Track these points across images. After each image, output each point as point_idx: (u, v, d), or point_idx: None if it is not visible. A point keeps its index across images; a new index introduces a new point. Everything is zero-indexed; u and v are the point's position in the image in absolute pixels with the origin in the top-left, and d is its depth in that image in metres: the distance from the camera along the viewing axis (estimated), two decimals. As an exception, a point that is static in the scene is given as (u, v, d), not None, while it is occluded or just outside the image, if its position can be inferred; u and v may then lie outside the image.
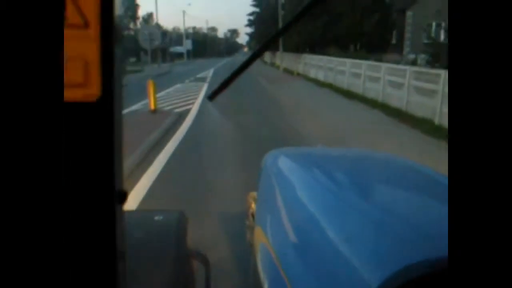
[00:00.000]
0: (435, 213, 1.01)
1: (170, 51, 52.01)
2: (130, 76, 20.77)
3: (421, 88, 8.54)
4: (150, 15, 54.41)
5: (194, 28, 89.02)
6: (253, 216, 1.80)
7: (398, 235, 0.89)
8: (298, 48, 24.34)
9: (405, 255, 0.77)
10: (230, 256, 2.78)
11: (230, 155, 5.78)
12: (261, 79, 17.24)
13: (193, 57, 61.02)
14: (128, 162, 4.77)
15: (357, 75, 13.08)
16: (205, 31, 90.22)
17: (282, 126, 7.85)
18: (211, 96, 0.72)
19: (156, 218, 1.33)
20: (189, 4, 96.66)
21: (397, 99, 9.65)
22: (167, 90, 14.56)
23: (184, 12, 57.00)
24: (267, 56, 39.76)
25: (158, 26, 33.26)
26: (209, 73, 24.94)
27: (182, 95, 13.06)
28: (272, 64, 32.66)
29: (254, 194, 1.86)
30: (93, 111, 0.36)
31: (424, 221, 0.98)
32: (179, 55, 56.14)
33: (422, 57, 15.43)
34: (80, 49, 0.35)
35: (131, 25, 45.90)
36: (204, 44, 77.95)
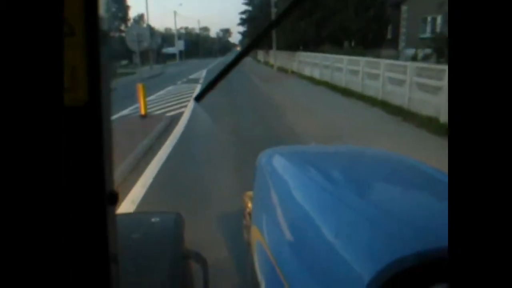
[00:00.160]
0: (427, 206, 1.05)
1: (162, 52, 51.55)
2: (121, 79, 20.37)
3: (424, 85, 8.15)
4: (141, 17, 53.85)
5: (186, 28, 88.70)
6: (249, 215, 1.80)
7: (390, 230, 0.90)
8: (292, 46, 23.94)
9: (396, 249, 0.78)
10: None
11: (225, 161, 5.36)
12: (254, 78, 16.83)
13: (185, 58, 60.50)
14: (116, 173, 4.34)
15: (355, 72, 12.69)
16: (197, 31, 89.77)
17: (279, 127, 7.44)
18: (198, 97, 0.72)
19: (153, 220, 1.34)
20: (181, 5, 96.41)
21: (398, 96, 9.26)
22: (159, 93, 14.14)
23: (175, 12, 56.58)
24: (260, 54, 39.40)
25: (149, 26, 32.84)
26: (202, 73, 24.52)
27: (174, 98, 12.65)
28: (266, 63, 32.30)
29: (250, 193, 1.85)
30: (82, 115, 0.37)
31: (415, 215, 0.99)
32: (172, 56, 55.61)
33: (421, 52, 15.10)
34: (67, 56, 0.35)
35: (122, 27, 45.28)
36: (197, 45, 77.53)
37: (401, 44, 21.58)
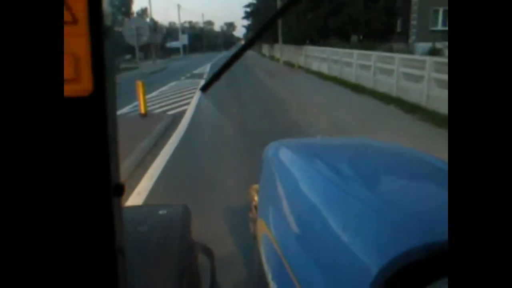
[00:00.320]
0: (435, 199, 1.02)
1: (166, 47, 51.04)
2: (124, 74, 19.87)
3: (444, 81, 7.57)
4: (144, 11, 53.29)
5: (190, 22, 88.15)
6: (256, 208, 1.80)
7: (397, 222, 0.89)
8: (298, 40, 23.30)
9: (404, 241, 0.77)
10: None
11: (230, 164, 4.84)
12: (260, 72, 16.23)
13: (189, 52, 60.06)
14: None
15: (366, 67, 12.10)
16: (201, 25, 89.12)
17: (288, 127, 6.89)
18: (204, 88, 0.74)
19: (161, 212, 1.34)
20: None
21: (415, 93, 8.67)
22: (161, 89, 13.63)
23: (179, 6, 55.94)
24: (265, 48, 38.78)
25: (152, 21, 32.28)
26: (206, 68, 23.97)
27: (177, 94, 12.13)
28: (271, 57, 31.68)
29: (256, 186, 1.86)
30: (86, 106, 0.36)
31: (424, 207, 0.97)
32: (176, 50, 55.14)
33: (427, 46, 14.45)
34: (70, 45, 0.35)
35: (125, 21, 44.74)
36: (201, 39, 76.95)
37: (412, 37, 20.87)
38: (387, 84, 10.33)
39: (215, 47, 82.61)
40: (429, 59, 8.50)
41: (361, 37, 21.88)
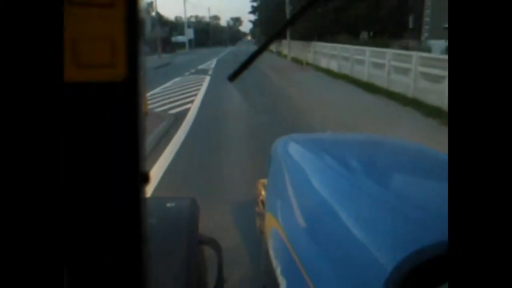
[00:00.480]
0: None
1: (171, 41, 50.58)
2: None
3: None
4: (150, 4, 52.79)
5: (196, 17, 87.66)
6: (262, 203, 1.80)
7: (412, 218, 0.88)
8: (306, 36, 22.68)
9: (419, 238, 0.76)
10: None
11: (235, 170, 4.30)
12: (266, 69, 15.57)
13: (195, 47, 59.59)
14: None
15: (379, 66, 11.49)
16: (207, 20, 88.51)
17: (299, 130, 6.34)
18: (232, 77, 0.73)
19: (168, 205, 1.33)
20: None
21: (434, 94, 8.08)
22: (165, 85, 13.10)
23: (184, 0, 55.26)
24: (272, 44, 38.10)
25: (158, 14, 31.78)
26: (212, 64, 23.40)
27: (181, 91, 11.60)
28: (278, 53, 31.08)
29: (263, 181, 1.86)
30: (119, 91, 0.36)
31: (438, 204, 0.91)
32: (182, 45, 54.65)
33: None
34: (106, 29, 0.34)
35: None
36: (207, 33, 76.42)
37: (424, 34, 20.19)
38: (403, 84, 9.73)
39: (221, 41, 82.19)
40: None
41: (371, 34, 21.21)
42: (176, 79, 15.05)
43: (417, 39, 19.65)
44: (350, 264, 0.84)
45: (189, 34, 56.89)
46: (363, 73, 12.62)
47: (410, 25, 21.56)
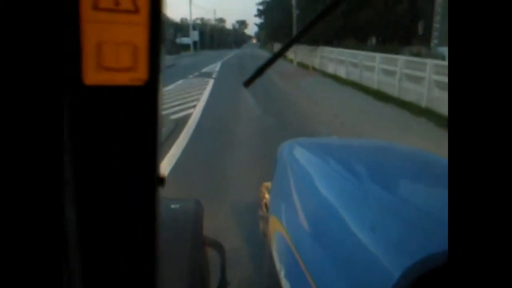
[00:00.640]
0: None
1: (176, 43, 50.39)
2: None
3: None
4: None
5: (202, 19, 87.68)
6: (266, 206, 1.80)
7: (419, 225, 0.87)
8: (312, 41, 22.32)
9: (427, 245, 0.75)
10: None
11: (239, 183, 3.89)
12: (272, 73, 15.18)
13: (201, 49, 59.39)
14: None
15: (390, 73, 11.07)
16: (213, 22, 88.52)
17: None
18: (247, 82, 0.74)
19: (173, 206, 1.33)
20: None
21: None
22: (167, 88, 12.72)
23: (190, 0, 55.11)
24: (277, 48, 37.89)
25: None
26: (216, 67, 23.00)
27: (183, 95, 11.22)
28: (284, 57, 30.72)
29: (267, 184, 1.86)
30: (140, 94, 0.37)
31: (446, 211, 0.83)
32: (187, 47, 54.47)
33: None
34: (129, 34, 0.35)
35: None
36: (212, 36, 76.31)
37: (434, 41, 19.77)
38: (415, 93, 9.30)
39: (226, 44, 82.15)
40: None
41: (380, 39, 20.82)
42: (179, 82, 14.68)
43: (426, 46, 19.24)
44: (356, 269, 0.83)
45: (194, 36, 56.79)
46: (373, 80, 12.20)
47: (420, 32, 21.15)
